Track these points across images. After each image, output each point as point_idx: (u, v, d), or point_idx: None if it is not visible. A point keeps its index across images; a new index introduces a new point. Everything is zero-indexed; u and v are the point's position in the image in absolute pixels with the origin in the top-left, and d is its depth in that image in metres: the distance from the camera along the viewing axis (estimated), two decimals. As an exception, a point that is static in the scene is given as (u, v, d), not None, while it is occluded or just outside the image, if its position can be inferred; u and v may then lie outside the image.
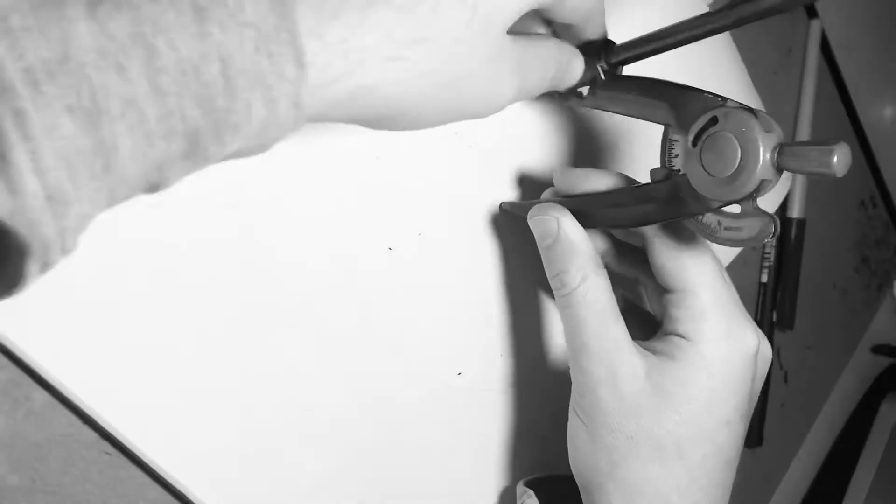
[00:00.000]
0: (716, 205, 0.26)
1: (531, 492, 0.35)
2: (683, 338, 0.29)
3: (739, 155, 0.25)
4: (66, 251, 0.16)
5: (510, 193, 0.37)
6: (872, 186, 0.75)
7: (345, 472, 0.33)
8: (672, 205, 0.28)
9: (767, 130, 0.25)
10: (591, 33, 0.29)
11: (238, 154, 0.20)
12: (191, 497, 0.28)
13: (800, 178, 0.62)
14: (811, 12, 0.62)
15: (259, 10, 0.18)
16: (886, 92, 0.71)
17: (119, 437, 0.26)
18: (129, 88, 0.16)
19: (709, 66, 0.45)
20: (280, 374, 0.30)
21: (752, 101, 0.49)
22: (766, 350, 0.31)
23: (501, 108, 0.26)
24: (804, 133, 0.62)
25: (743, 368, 0.30)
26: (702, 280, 0.29)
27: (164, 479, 0.28)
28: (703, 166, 0.26)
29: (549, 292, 0.39)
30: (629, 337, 0.29)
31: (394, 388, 0.34)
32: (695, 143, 0.27)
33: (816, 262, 0.67)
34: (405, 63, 0.21)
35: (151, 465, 0.27)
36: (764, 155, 0.25)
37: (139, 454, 0.27)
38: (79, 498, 0.28)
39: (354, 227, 0.31)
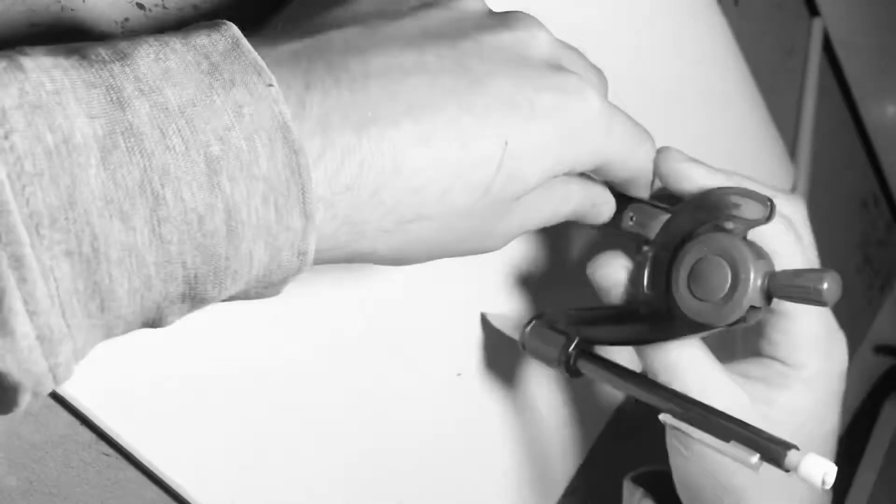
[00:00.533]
0: (703, 330, 0.26)
1: (642, 491, 0.34)
2: (784, 363, 0.29)
3: (729, 280, 0.25)
4: (58, 381, 0.16)
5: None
6: (875, 186, 0.75)
7: (344, 472, 0.33)
8: (661, 325, 0.27)
9: (758, 257, 0.25)
10: (635, 193, 0.28)
11: (247, 296, 0.20)
12: (188, 498, 0.28)
13: (802, 179, 0.62)
14: (813, 10, 0.62)
15: (274, 164, 0.18)
16: (889, 91, 0.70)
17: (116, 438, 0.26)
18: (130, 236, 0.16)
19: (710, 65, 0.45)
20: (278, 374, 0.30)
21: (754, 101, 0.49)
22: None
23: (504, 246, 0.25)
24: (806, 133, 0.62)
25: (840, 384, 0.30)
26: (803, 306, 0.29)
27: (161, 479, 0.28)
28: (690, 290, 0.26)
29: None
30: (726, 371, 0.29)
31: (393, 387, 0.34)
32: (684, 268, 0.26)
33: (821, 262, 0.67)
34: (403, 235, 0.21)
35: (149, 465, 0.27)
36: (755, 281, 0.24)
37: (137, 455, 0.27)
38: (77, 499, 0.28)
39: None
